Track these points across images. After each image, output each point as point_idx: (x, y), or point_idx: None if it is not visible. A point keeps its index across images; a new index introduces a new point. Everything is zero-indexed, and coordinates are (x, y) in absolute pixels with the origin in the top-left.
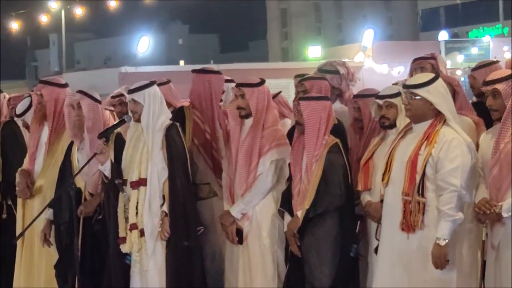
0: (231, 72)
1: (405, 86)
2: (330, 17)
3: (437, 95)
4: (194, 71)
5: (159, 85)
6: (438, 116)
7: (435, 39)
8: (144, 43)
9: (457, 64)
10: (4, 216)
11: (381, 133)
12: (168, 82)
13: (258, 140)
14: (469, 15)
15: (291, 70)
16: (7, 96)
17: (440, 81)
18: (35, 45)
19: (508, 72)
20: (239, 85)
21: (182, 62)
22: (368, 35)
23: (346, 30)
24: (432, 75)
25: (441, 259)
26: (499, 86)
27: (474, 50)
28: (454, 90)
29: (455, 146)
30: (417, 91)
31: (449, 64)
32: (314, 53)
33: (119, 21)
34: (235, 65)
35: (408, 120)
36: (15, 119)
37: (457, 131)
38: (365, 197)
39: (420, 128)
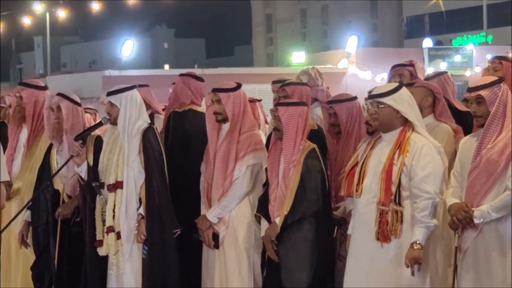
0: (216, 76)
1: (371, 96)
2: (315, 23)
3: (403, 102)
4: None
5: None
6: (406, 124)
7: (419, 46)
8: (128, 47)
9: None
10: None
11: (367, 139)
12: (147, 85)
13: (234, 145)
14: (453, 22)
15: (276, 75)
16: None
17: (404, 89)
18: (20, 48)
19: (492, 78)
20: (214, 90)
21: (167, 66)
22: (352, 42)
23: (331, 36)
24: (396, 84)
25: (414, 260)
26: (483, 93)
27: (457, 58)
28: (435, 97)
29: (425, 153)
30: (383, 99)
31: (432, 71)
32: (298, 59)
33: (105, 24)
34: (220, 70)
35: None
36: None
37: (426, 137)
38: (349, 205)
39: (390, 137)
